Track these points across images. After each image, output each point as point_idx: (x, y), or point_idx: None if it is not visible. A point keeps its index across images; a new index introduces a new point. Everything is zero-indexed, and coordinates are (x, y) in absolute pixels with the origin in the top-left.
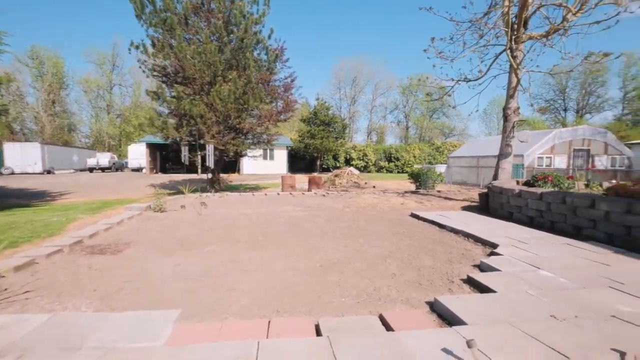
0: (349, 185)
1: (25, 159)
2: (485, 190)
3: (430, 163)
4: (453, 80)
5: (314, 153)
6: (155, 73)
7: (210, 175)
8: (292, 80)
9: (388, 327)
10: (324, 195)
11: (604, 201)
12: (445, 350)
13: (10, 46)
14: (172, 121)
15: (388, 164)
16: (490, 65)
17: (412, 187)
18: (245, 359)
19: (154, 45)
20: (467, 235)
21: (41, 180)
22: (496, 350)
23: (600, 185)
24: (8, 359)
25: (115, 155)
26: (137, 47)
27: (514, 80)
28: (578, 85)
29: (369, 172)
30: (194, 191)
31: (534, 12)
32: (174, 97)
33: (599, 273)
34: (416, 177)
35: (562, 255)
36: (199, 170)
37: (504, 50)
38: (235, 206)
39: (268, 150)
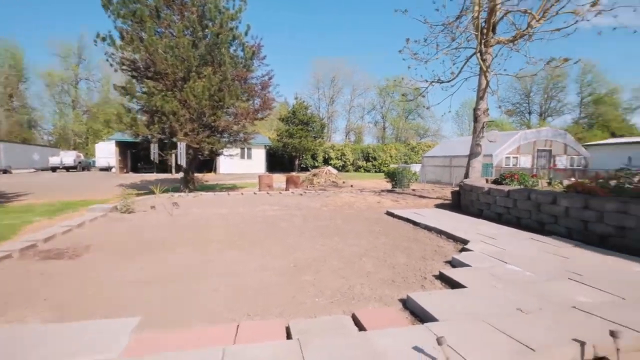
0: (327, 185)
1: None
2: (457, 189)
3: (406, 162)
4: (427, 81)
5: (293, 152)
6: (124, 67)
7: (183, 175)
8: (270, 78)
9: (360, 327)
10: (301, 195)
11: (564, 198)
12: (416, 348)
13: None
14: (142, 118)
15: (366, 163)
16: (462, 68)
17: (389, 186)
18: None
19: (122, 37)
20: (440, 232)
21: None
22: (466, 345)
23: (561, 183)
24: None
25: (81, 154)
26: (103, 39)
27: (484, 82)
28: (541, 90)
29: (347, 171)
30: (166, 191)
31: (502, 17)
32: (144, 92)
33: (561, 266)
34: (392, 176)
35: (528, 249)
36: (173, 170)
37: (475, 53)
38: (209, 206)
39: (246, 150)
